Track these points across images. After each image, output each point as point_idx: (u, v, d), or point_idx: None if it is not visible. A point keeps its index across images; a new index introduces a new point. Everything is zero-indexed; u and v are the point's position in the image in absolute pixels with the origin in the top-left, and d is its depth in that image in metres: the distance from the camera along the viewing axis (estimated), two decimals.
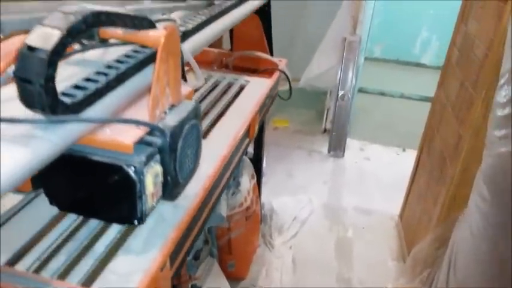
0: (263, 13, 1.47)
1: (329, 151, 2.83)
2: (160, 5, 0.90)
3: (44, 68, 0.43)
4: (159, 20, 0.82)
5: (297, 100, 3.03)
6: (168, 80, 0.62)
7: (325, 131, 3.09)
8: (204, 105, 1.20)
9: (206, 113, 1.18)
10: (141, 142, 0.58)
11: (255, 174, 1.78)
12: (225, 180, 1.01)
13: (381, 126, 3.29)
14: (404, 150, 2.91)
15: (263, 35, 1.51)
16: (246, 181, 1.66)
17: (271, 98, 1.47)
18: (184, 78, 0.77)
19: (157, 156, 0.60)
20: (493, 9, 1.32)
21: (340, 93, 2.73)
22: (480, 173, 1.16)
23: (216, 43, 1.36)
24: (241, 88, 1.35)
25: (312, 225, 2.19)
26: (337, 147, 2.83)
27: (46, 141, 0.46)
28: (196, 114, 0.68)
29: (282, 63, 1.51)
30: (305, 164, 2.73)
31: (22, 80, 0.44)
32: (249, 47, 1.54)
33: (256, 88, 1.33)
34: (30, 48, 0.43)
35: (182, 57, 0.72)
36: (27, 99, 0.45)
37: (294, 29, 3.13)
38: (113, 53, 0.63)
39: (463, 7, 1.69)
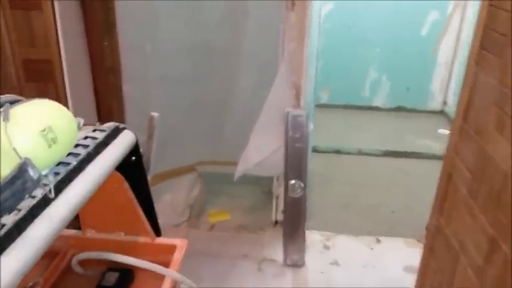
0: (129, 168, 0.76)
1: (285, 259, 2.13)
2: None
3: None
4: None
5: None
6: None
7: (276, 222, 2.41)
8: None
9: None
10: None
11: None
12: None
13: (343, 203, 2.66)
14: (378, 241, 2.28)
15: (133, 203, 0.79)
16: None
17: None
18: None
19: None
20: None
21: (291, 182, 2.06)
22: None
23: None
24: None
25: None
26: (294, 252, 2.14)
27: None
28: None
29: (179, 251, 0.80)
30: (255, 285, 2.01)
31: None
32: (113, 225, 0.81)
33: None
34: None
35: None
36: None
37: (221, 105, 2.44)
38: None
39: (465, 97, 1.08)
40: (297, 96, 2.06)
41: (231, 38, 2.27)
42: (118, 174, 0.74)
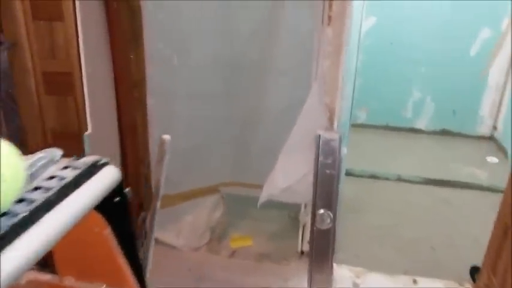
0: (112, 208, 0.63)
1: None
2: None
3: None
4: None
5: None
6: None
7: (302, 253, 2.22)
8: None
9: None
10: None
11: None
12: None
13: (377, 234, 2.44)
14: (415, 281, 2.04)
15: (115, 252, 0.66)
16: None
17: None
18: None
19: None
20: None
21: (319, 212, 1.88)
22: None
23: None
24: None
25: None
26: None
27: None
28: None
29: None
30: None
31: None
32: (93, 274, 0.69)
33: None
34: None
35: None
36: None
37: (249, 124, 2.30)
38: None
39: None
40: (330, 118, 1.89)
41: (262, 54, 2.14)
42: (99, 217, 0.62)
